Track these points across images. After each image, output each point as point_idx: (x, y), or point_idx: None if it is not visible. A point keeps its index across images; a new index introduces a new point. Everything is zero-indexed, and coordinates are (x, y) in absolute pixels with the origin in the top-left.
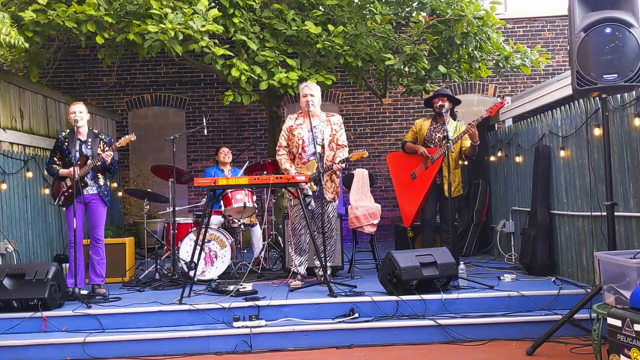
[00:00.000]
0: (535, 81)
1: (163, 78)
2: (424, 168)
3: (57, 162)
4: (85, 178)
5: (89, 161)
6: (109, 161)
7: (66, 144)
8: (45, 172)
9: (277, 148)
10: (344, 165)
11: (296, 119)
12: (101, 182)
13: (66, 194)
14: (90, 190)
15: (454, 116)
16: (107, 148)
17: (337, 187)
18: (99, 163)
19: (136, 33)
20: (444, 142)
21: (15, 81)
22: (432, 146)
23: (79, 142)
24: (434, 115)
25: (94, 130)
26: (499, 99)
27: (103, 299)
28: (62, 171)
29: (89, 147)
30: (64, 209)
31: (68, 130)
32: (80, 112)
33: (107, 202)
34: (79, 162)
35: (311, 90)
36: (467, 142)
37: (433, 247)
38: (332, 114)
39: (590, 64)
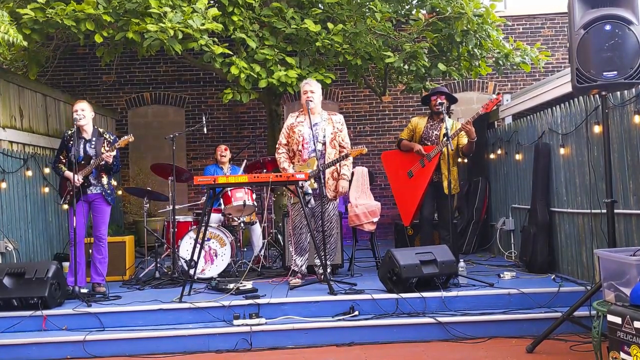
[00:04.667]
0: (534, 79)
1: (162, 76)
2: (421, 166)
3: (63, 161)
4: (89, 177)
5: (92, 160)
6: (110, 161)
7: (71, 142)
8: (46, 171)
9: (276, 146)
10: (337, 163)
11: (297, 116)
12: (104, 181)
13: (71, 193)
14: (94, 189)
15: (449, 114)
16: (108, 148)
17: (339, 186)
18: (102, 162)
19: (135, 31)
20: (441, 139)
21: (14, 80)
22: (429, 144)
23: (82, 140)
24: (430, 113)
25: (99, 129)
26: (494, 96)
27: (103, 297)
28: (67, 174)
29: (92, 146)
30: (65, 207)
31: (73, 129)
32: (82, 111)
33: (111, 202)
34: (82, 162)
35: (311, 87)
36: (464, 139)
37: (432, 245)
38: (333, 112)
39: (590, 62)
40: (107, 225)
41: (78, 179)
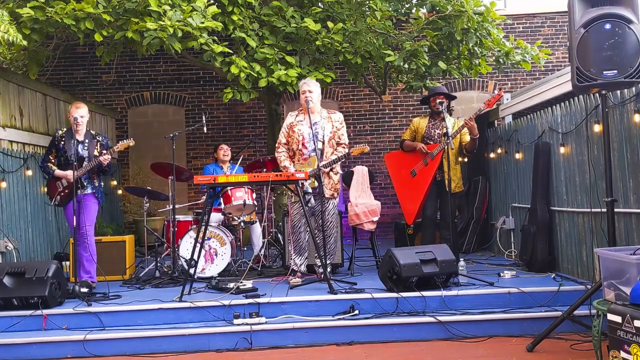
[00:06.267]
0: (534, 78)
1: (162, 76)
2: (424, 165)
3: (52, 161)
4: (81, 179)
5: (85, 163)
6: (106, 164)
7: (62, 142)
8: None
9: (276, 145)
10: (339, 162)
11: (296, 115)
12: (96, 183)
13: (62, 194)
14: (85, 190)
15: (449, 112)
16: (103, 151)
17: (336, 184)
18: (95, 165)
19: (135, 31)
20: (443, 138)
21: (14, 79)
22: (431, 143)
23: (75, 141)
24: (430, 112)
25: (92, 132)
26: (496, 92)
27: (103, 296)
28: (58, 172)
29: (85, 148)
30: (62, 208)
31: (65, 129)
32: (81, 117)
33: (100, 200)
34: (74, 163)
35: (310, 87)
36: (467, 137)
37: (433, 244)
38: (333, 111)
39: (590, 60)
40: (94, 222)
41: (71, 179)
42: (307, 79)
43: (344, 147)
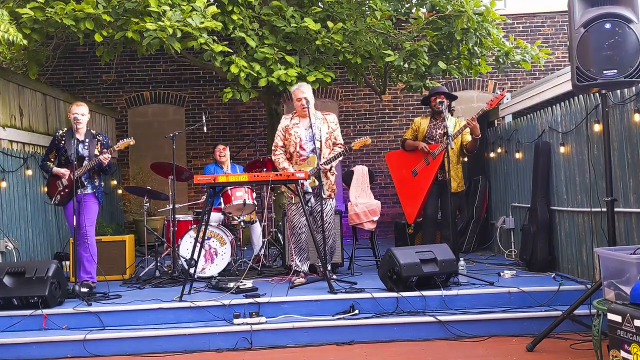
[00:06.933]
0: (534, 77)
1: (162, 75)
2: (425, 164)
3: (52, 160)
4: (81, 178)
5: (85, 162)
6: (106, 163)
7: (63, 142)
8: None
9: (273, 148)
10: (338, 160)
11: (291, 118)
12: (96, 182)
13: (62, 193)
14: (85, 190)
15: (451, 112)
16: (104, 150)
17: (333, 184)
18: (96, 165)
19: (134, 31)
20: (444, 138)
21: (14, 79)
22: (432, 143)
23: (75, 141)
24: (432, 112)
25: (92, 131)
26: (499, 92)
27: (103, 296)
28: (56, 170)
29: (86, 147)
30: (62, 207)
31: (65, 129)
32: (82, 115)
33: (100, 200)
34: (74, 162)
35: (305, 93)
36: (468, 136)
37: (433, 244)
38: (327, 112)
39: (590, 60)
40: (94, 222)
41: (71, 177)
42: (299, 83)
43: (340, 147)
